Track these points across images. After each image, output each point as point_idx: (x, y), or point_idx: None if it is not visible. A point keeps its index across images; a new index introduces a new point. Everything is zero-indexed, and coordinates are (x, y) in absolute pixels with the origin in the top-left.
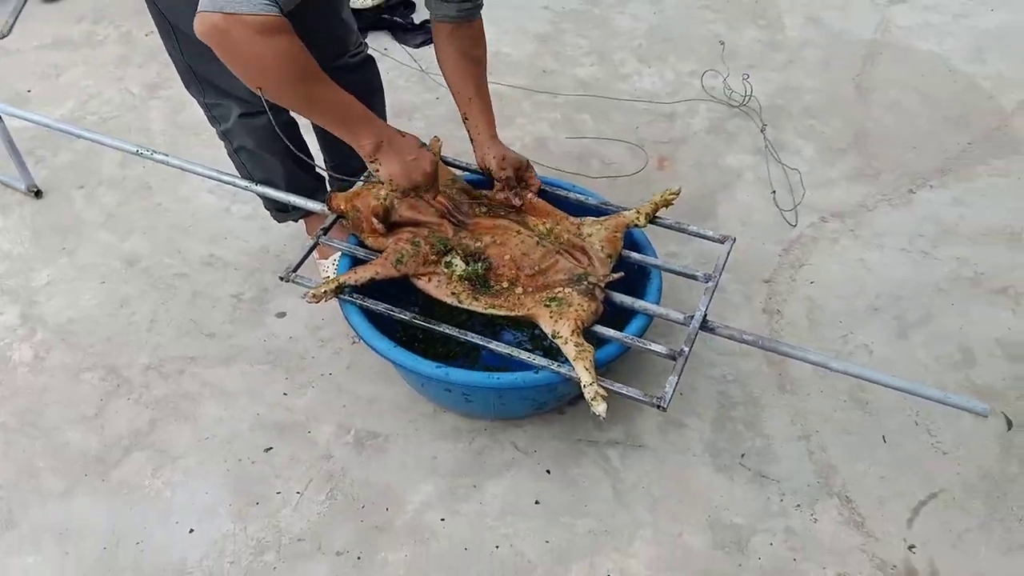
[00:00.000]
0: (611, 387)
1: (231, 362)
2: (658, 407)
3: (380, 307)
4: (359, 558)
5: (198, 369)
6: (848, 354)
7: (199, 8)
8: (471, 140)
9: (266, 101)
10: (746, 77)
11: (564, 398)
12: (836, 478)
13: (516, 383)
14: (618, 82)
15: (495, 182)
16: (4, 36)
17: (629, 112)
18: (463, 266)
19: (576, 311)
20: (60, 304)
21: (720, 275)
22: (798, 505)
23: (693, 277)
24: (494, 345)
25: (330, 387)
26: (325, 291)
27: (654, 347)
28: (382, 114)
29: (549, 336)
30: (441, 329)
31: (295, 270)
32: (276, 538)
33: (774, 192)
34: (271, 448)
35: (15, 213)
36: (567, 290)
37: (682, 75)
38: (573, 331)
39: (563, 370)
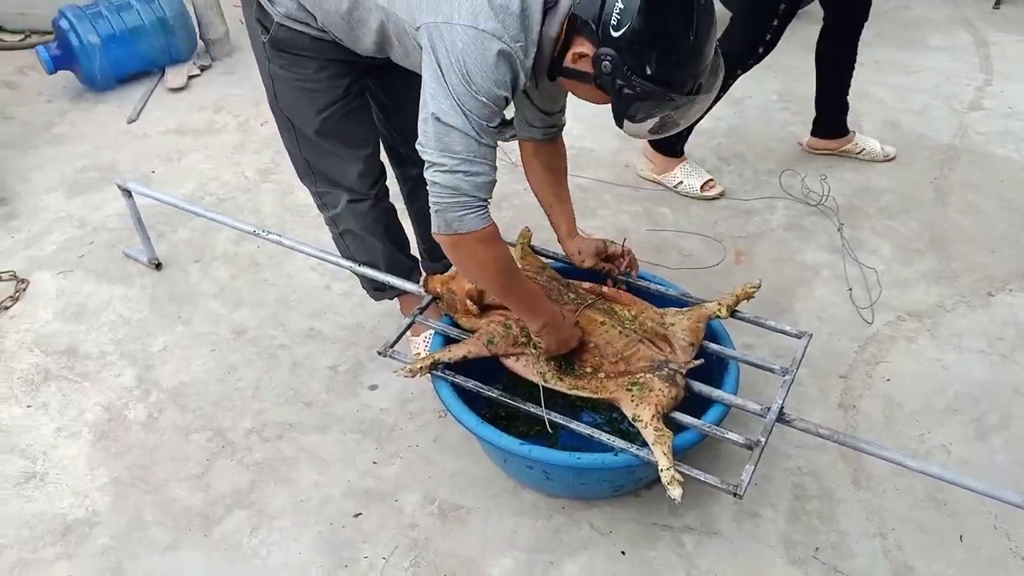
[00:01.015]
0: (689, 472)
1: (326, 430)
2: (734, 495)
3: (470, 384)
4: None
5: (296, 435)
6: (925, 453)
7: (433, 230)
8: (559, 240)
9: (372, 192)
10: (824, 177)
11: (641, 482)
12: None
13: (595, 464)
14: None
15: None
16: (133, 121)
17: (708, 208)
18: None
19: (657, 396)
20: (174, 368)
21: (797, 369)
22: None
23: (770, 370)
24: (575, 425)
25: (417, 459)
26: (421, 367)
27: (731, 436)
28: None
29: (630, 419)
30: (526, 407)
31: (392, 346)
32: None
33: (851, 289)
34: (360, 514)
35: (137, 283)
36: (649, 376)
37: (760, 173)
38: (653, 416)
39: (642, 453)
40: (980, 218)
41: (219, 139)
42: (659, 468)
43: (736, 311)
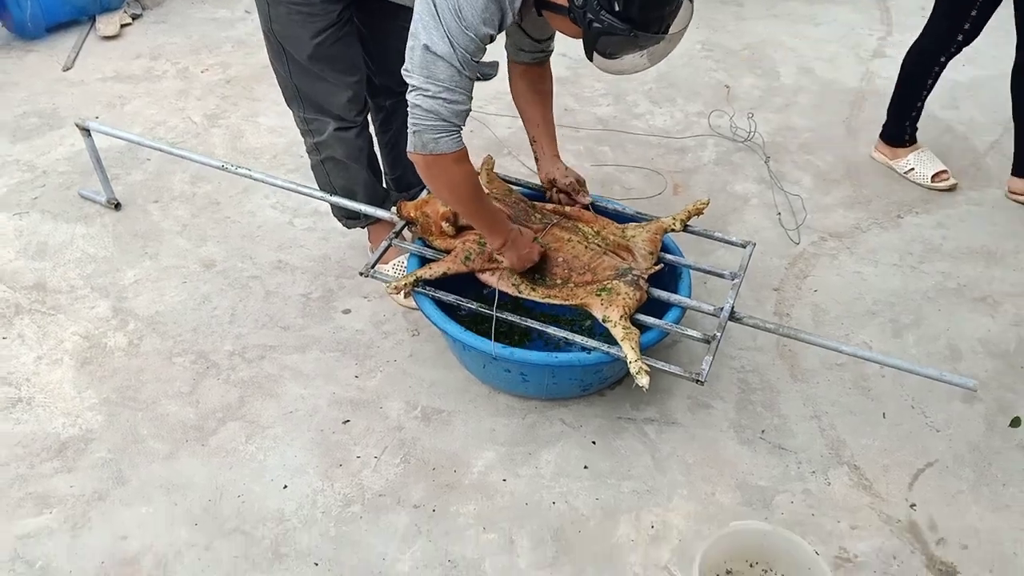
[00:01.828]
0: (655, 364)
1: (306, 350)
2: (697, 381)
3: (451, 297)
4: (434, 510)
5: (277, 355)
6: None
7: (409, 149)
8: (536, 159)
9: (358, 119)
10: (751, 115)
11: (606, 381)
12: (845, 450)
13: (571, 362)
14: (633, 120)
15: (549, 195)
16: (68, 69)
17: (644, 146)
18: None
19: (624, 298)
20: (148, 299)
21: (744, 273)
22: (813, 472)
23: (720, 275)
24: (552, 329)
25: (396, 372)
26: (405, 283)
27: (691, 332)
28: None
29: (600, 320)
30: (504, 316)
31: (373, 266)
32: (360, 493)
33: (779, 214)
34: (348, 420)
35: (97, 222)
36: (615, 281)
37: (690, 115)
38: (621, 316)
39: (612, 350)
40: None
41: (160, 86)
42: (628, 361)
43: (687, 226)
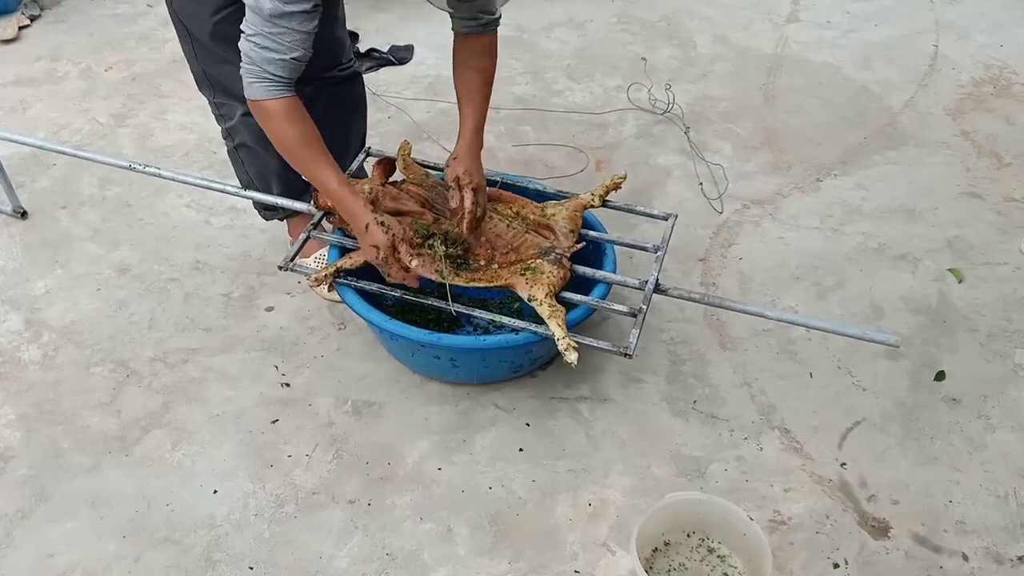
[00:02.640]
0: (583, 341)
1: (230, 350)
2: (625, 355)
3: (373, 286)
4: (369, 504)
5: (200, 358)
6: None
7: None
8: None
9: None
10: (669, 87)
11: (537, 362)
12: (775, 415)
13: (500, 344)
14: (552, 97)
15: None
16: None
17: (565, 123)
18: (444, 248)
19: (548, 277)
20: (61, 309)
21: (667, 245)
22: (745, 438)
23: (644, 248)
24: (478, 312)
25: (324, 367)
26: (325, 275)
27: (616, 307)
28: (363, 123)
29: (525, 300)
30: (429, 302)
31: (292, 259)
32: (293, 493)
33: (701, 184)
34: (277, 420)
35: (3, 233)
36: (538, 260)
37: (609, 89)
38: (547, 294)
39: (539, 330)
40: (804, 116)
41: (63, 87)
42: (555, 338)
43: (607, 201)
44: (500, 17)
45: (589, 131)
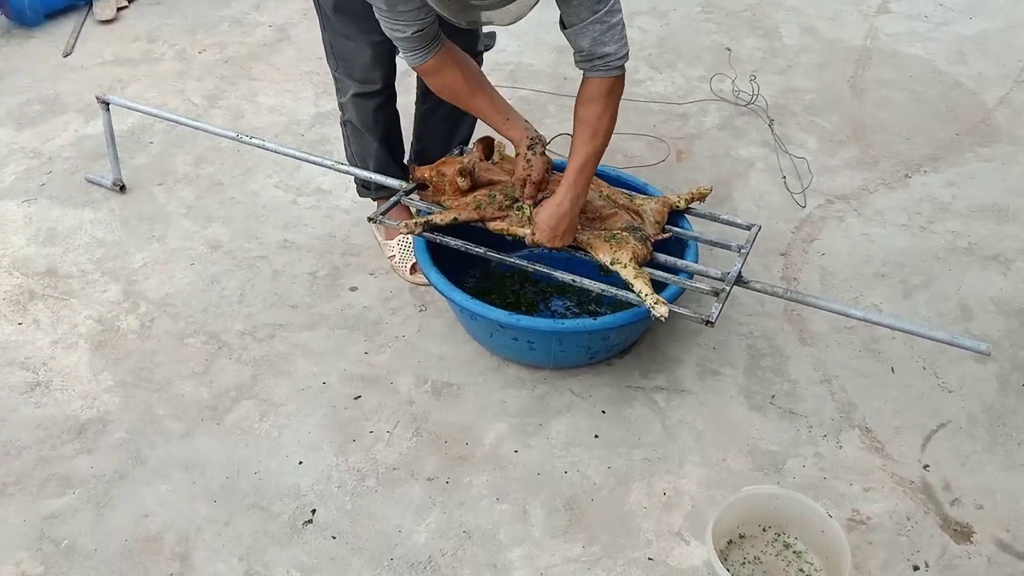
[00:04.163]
0: (667, 306)
1: (315, 327)
2: (706, 322)
3: (457, 242)
4: (447, 482)
5: (287, 334)
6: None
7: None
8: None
9: (377, 88)
10: (753, 77)
11: (613, 350)
12: (856, 413)
13: (576, 328)
14: (633, 86)
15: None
16: (68, 54)
17: (646, 113)
18: (530, 209)
19: (633, 247)
20: (157, 282)
21: (751, 246)
22: (824, 435)
23: (727, 247)
24: (559, 274)
25: (405, 347)
26: (417, 222)
27: (700, 285)
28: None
29: (608, 264)
30: (512, 260)
31: (383, 214)
32: (374, 467)
33: (784, 178)
34: (359, 396)
35: (104, 207)
36: (624, 233)
37: (691, 79)
38: (631, 259)
39: (620, 293)
40: (894, 110)
41: (159, 68)
42: (642, 296)
43: (690, 208)
44: (620, 58)
45: (670, 121)
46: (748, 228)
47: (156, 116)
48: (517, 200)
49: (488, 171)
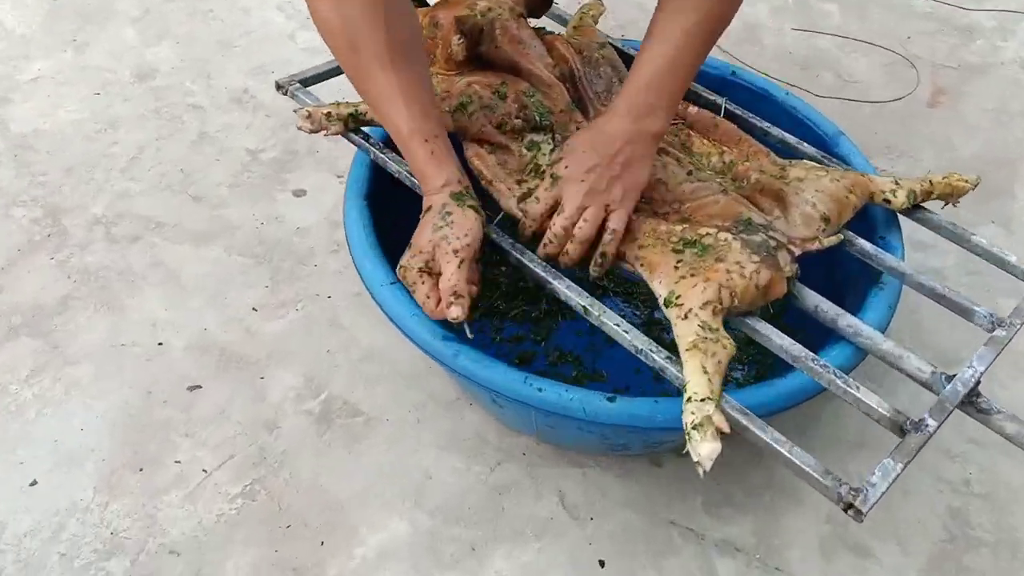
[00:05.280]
0: (751, 427)
1: (206, 241)
2: (848, 508)
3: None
4: None
5: (157, 239)
6: None
7: None
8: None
9: None
10: None
11: (661, 445)
12: None
13: (569, 409)
14: None
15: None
16: None
17: (899, 12)
18: (548, 152)
19: (727, 272)
20: (34, 108)
21: (1022, 324)
22: None
23: (968, 310)
24: (577, 297)
25: (319, 317)
26: (329, 113)
27: (868, 400)
28: None
29: (661, 298)
30: (516, 255)
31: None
32: (139, 541)
33: None
34: (198, 387)
35: None
36: (723, 234)
37: None
38: (707, 302)
39: (658, 360)
40: None
41: None
42: (684, 390)
43: (919, 206)
44: None
45: (941, 34)
46: None
47: None
48: (543, 127)
49: (519, 42)
